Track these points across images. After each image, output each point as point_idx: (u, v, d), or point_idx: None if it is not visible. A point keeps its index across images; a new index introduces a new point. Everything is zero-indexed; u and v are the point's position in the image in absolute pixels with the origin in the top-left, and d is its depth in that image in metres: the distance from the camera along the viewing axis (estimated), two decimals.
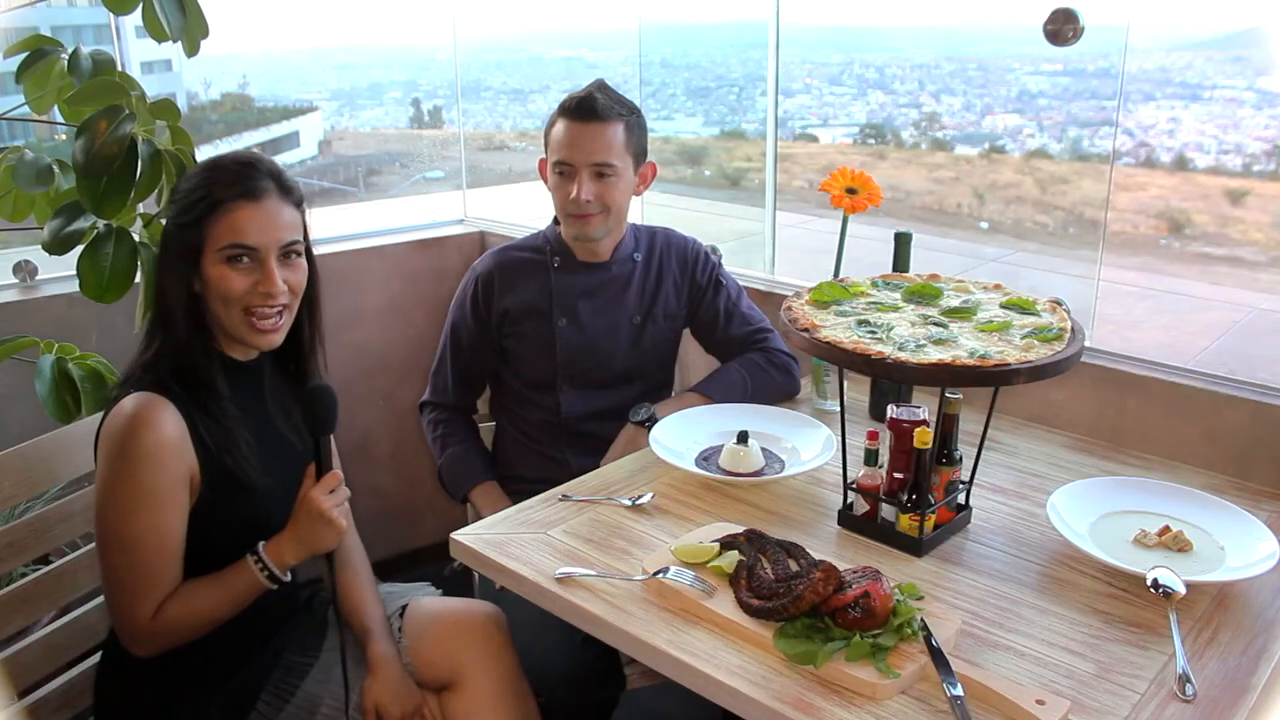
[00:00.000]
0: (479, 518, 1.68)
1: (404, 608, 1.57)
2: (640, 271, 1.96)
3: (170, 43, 1.71)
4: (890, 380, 1.76)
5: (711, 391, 1.88)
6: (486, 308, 1.94)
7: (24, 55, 1.72)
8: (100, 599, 1.54)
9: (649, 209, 2.62)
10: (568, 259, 1.93)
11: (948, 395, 1.38)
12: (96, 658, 1.48)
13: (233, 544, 1.37)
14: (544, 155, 1.90)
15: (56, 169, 1.72)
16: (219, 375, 1.37)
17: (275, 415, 1.46)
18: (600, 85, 1.85)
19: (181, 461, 1.29)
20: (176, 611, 1.31)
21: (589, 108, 1.81)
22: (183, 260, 1.32)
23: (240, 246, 1.32)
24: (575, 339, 1.91)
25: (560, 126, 1.84)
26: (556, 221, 1.94)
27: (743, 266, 2.40)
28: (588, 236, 1.88)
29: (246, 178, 1.33)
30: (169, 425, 1.27)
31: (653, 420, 1.78)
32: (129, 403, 1.28)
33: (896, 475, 1.42)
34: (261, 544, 1.35)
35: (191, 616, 1.32)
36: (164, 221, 1.35)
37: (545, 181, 1.92)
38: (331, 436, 1.38)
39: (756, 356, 1.94)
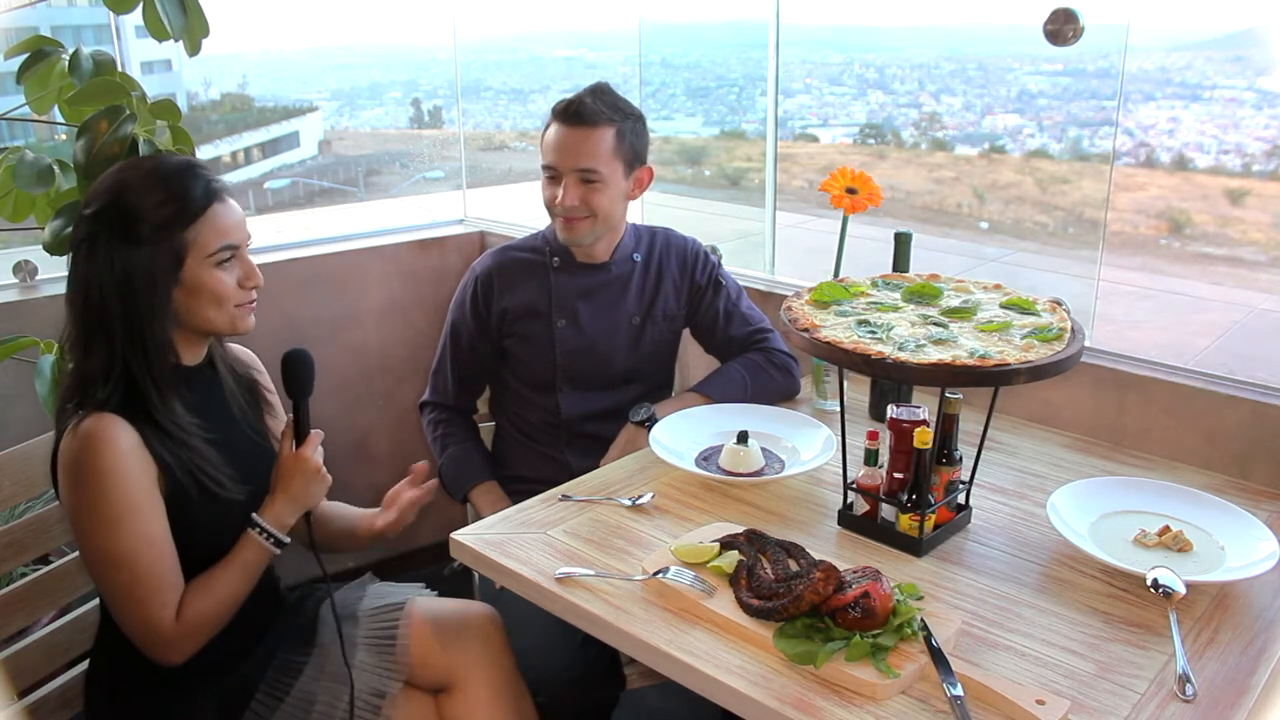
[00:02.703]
0: (479, 518, 1.68)
1: (399, 605, 1.57)
2: (640, 272, 1.96)
3: (171, 42, 1.71)
4: (890, 380, 1.76)
5: (711, 391, 1.88)
6: (486, 308, 1.94)
7: (24, 56, 1.72)
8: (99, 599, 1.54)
9: (649, 209, 2.62)
10: (567, 259, 1.93)
11: (948, 395, 1.38)
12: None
13: (214, 547, 1.38)
14: None
15: (57, 169, 1.72)
16: (181, 385, 1.37)
17: (237, 414, 1.47)
18: (596, 89, 1.83)
19: (144, 468, 1.28)
20: (199, 605, 1.32)
21: (576, 112, 1.80)
22: (166, 275, 1.30)
23: (230, 247, 1.34)
24: (574, 340, 1.91)
25: (551, 129, 1.83)
26: None
27: (743, 266, 2.40)
28: (575, 241, 1.88)
29: (205, 179, 1.34)
30: (123, 438, 1.26)
31: (652, 420, 1.78)
32: (82, 426, 1.26)
33: (896, 475, 1.42)
34: (255, 515, 1.38)
35: (215, 605, 1.33)
36: (97, 245, 1.28)
37: None
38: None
39: (757, 356, 1.94)
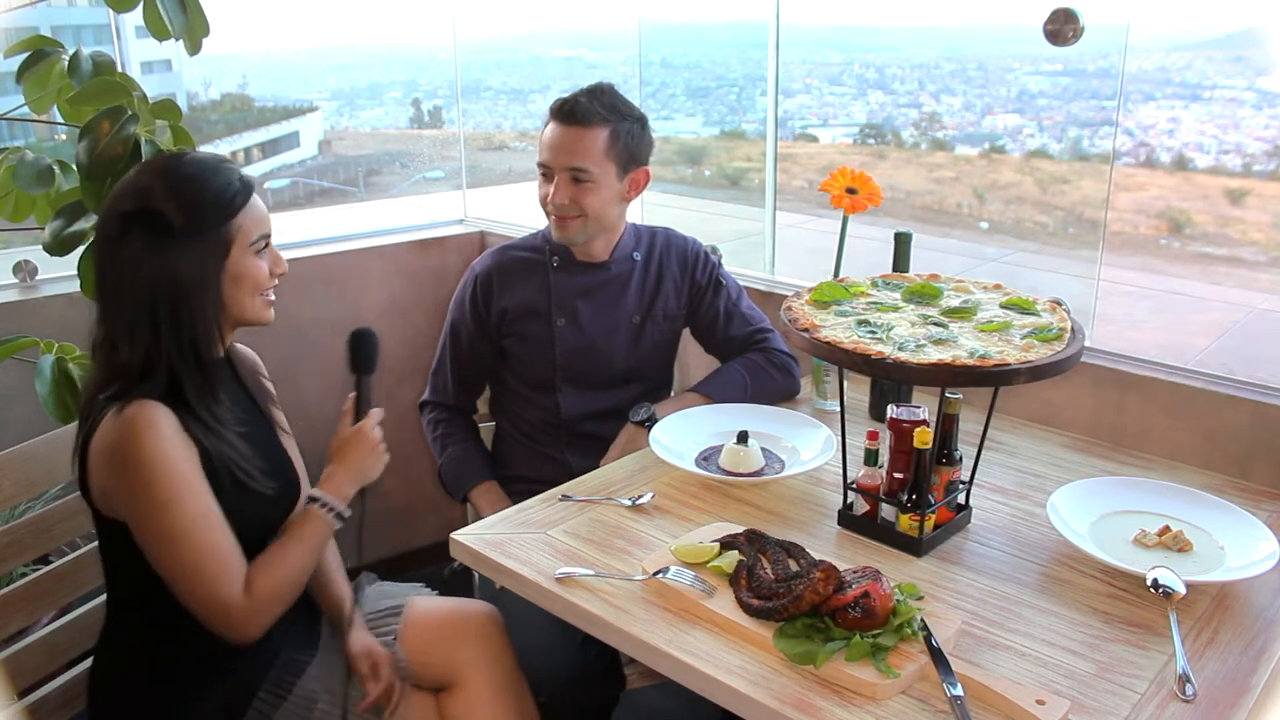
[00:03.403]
0: (479, 518, 1.68)
1: (399, 607, 1.57)
2: (640, 271, 1.96)
3: (172, 41, 1.71)
4: (890, 380, 1.76)
5: (711, 391, 1.88)
6: (485, 307, 1.94)
7: (24, 56, 1.73)
8: (100, 599, 1.54)
9: (649, 209, 2.62)
10: (567, 259, 1.93)
11: (948, 395, 1.38)
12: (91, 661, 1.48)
13: (242, 540, 1.38)
14: None
15: (57, 169, 1.72)
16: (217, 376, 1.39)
17: (251, 408, 1.49)
18: (596, 89, 1.83)
19: (189, 450, 1.30)
20: (267, 580, 1.32)
21: (569, 111, 1.80)
22: (215, 266, 1.33)
23: (266, 236, 1.38)
24: (574, 339, 1.91)
25: (547, 128, 1.84)
26: None
27: (743, 266, 2.40)
28: (567, 241, 1.88)
29: (238, 174, 1.36)
30: (166, 423, 1.27)
31: (652, 420, 1.78)
32: (125, 412, 1.27)
33: (896, 475, 1.42)
34: (314, 490, 1.39)
35: (283, 578, 1.34)
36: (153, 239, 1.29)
37: None
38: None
39: (757, 356, 1.94)
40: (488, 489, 1.91)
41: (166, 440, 1.26)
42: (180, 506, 1.26)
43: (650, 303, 1.96)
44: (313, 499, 1.38)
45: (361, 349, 1.45)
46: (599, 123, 1.80)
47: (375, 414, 1.45)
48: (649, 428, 1.73)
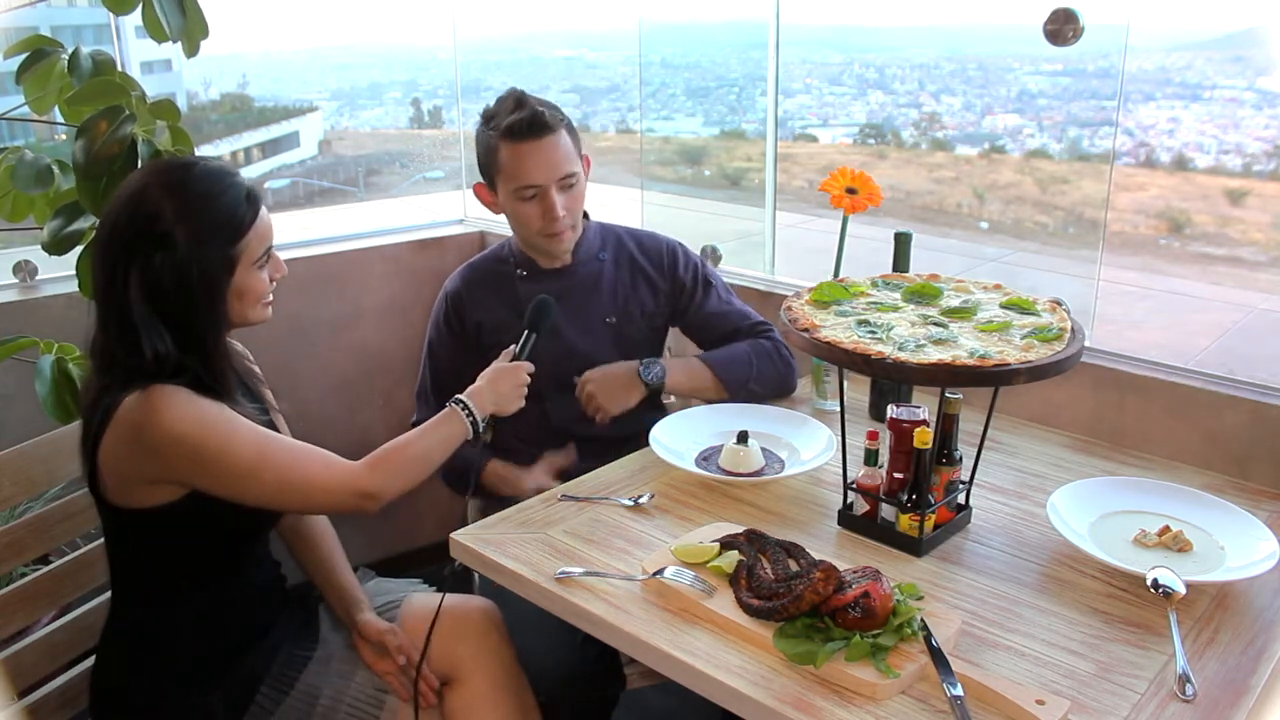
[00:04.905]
0: (479, 517, 1.68)
1: (396, 602, 1.57)
2: (610, 271, 1.97)
3: (170, 43, 1.71)
4: (890, 380, 1.76)
5: (717, 364, 1.88)
6: (460, 322, 1.96)
7: (24, 56, 1.73)
8: (101, 598, 1.54)
9: (650, 209, 2.62)
10: (533, 269, 1.95)
11: (948, 395, 1.38)
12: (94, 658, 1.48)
13: (223, 547, 1.38)
14: (480, 180, 1.91)
15: (56, 169, 1.72)
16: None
17: (251, 385, 1.52)
18: (521, 97, 1.82)
19: (218, 405, 1.32)
20: (394, 453, 1.39)
21: (541, 123, 1.79)
22: (223, 283, 1.34)
23: (269, 249, 1.40)
24: (553, 345, 1.90)
25: (515, 150, 1.80)
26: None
27: (742, 266, 2.40)
28: (564, 249, 1.90)
29: (245, 189, 1.37)
30: (190, 395, 1.29)
31: (660, 382, 1.83)
32: (146, 394, 1.27)
33: (896, 475, 1.42)
34: (461, 395, 1.49)
35: (409, 454, 1.41)
36: (173, 247, 1.30)
37: (490, 206, 1.92)
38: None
39: (766, 344, 1.94)
40: (494, 467, 1.89)
41: (197, 403, 1.29)
42: (240, 439, 1.29)
43: (625, 302, 1.96)
44: (458, 400, 1.48)
45: (544, 310, 1.62)
46: (560, 125, 1.81)
47: (528, 366, 1.58)
48: (650, 387, 1.80)
